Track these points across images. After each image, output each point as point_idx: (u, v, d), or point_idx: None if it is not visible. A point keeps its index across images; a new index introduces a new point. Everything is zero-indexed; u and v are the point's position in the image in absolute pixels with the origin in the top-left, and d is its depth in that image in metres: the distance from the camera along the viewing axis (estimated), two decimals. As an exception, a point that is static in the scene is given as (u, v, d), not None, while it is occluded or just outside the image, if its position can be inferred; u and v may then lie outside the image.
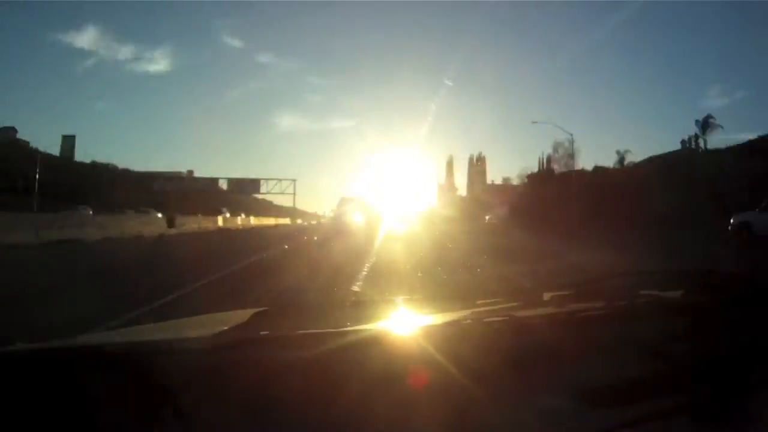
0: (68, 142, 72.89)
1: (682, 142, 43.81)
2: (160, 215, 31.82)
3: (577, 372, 0.85)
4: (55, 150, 70.63)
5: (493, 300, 0.99)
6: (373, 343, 0.85)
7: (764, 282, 1.35)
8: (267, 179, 56.30)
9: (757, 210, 14.90)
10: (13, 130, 69.80)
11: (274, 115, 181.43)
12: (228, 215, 43.28)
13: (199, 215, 32.19)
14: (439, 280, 6.90)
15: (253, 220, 47.08)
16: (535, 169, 50.03)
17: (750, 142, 31.85)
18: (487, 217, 40.52)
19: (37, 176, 45.29)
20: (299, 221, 65.91)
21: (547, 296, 1.06)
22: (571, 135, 38.04)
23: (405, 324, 0.97)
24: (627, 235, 17.31)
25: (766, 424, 0.82)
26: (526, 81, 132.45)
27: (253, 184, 56.60)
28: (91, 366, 0.76)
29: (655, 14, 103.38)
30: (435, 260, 9.30)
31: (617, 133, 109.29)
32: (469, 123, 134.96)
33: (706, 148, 40.96)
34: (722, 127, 42.83)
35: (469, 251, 12.02)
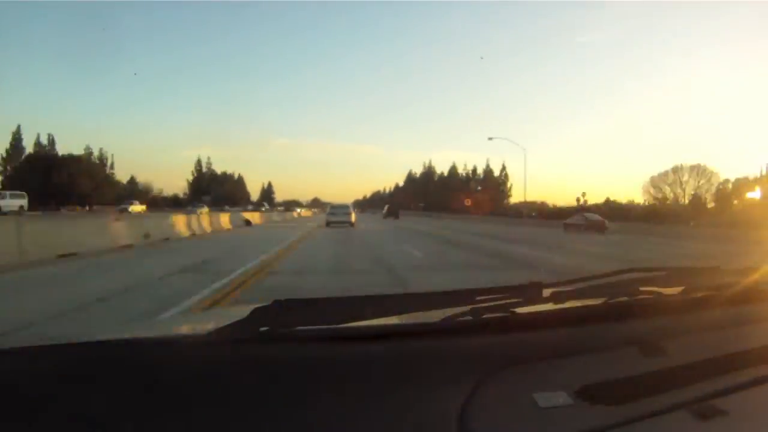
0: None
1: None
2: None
3: (577, 369, 0.85)
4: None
5: (492, 296, 0.99)
6: (375, 339, 0.85)
7: (765, 279, 1.35)
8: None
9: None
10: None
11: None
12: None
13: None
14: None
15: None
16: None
17: None
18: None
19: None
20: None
21: (546, 293, 1.05)
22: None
23: (406, 320, 0.97)
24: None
25: (767, 422, 0.81)
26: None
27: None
28: (82, 364, 0.76)
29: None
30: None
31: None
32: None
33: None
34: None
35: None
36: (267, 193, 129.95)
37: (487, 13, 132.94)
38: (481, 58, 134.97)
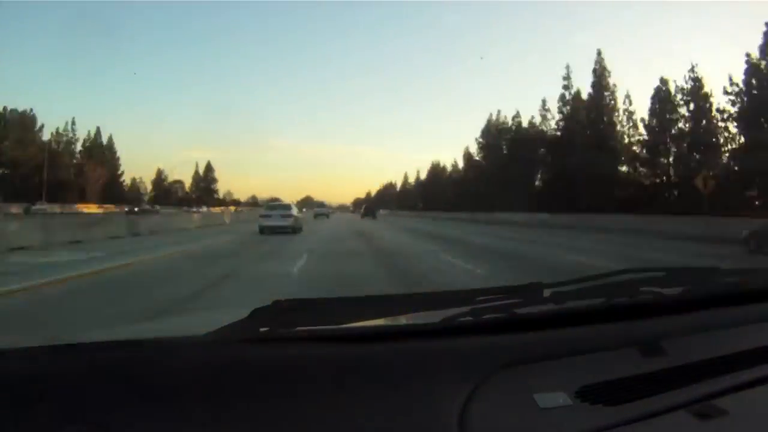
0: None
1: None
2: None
3: (577, 369, 0.85)
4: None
5: (492, 296, 0.99)
6: (375, 339, 0.85)
7: (765, 279, 1.35)
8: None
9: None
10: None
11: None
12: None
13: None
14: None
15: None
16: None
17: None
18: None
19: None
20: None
21: (546, 293, 1.05)
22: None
23: (406, 320, 0.97)
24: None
25: (767, 422, 0.81)
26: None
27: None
28: (82, 364, 0.76)
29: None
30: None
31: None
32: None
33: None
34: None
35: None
36: (203, 181, 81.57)
37: (487, 12, 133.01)
38: (481, 58, 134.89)
